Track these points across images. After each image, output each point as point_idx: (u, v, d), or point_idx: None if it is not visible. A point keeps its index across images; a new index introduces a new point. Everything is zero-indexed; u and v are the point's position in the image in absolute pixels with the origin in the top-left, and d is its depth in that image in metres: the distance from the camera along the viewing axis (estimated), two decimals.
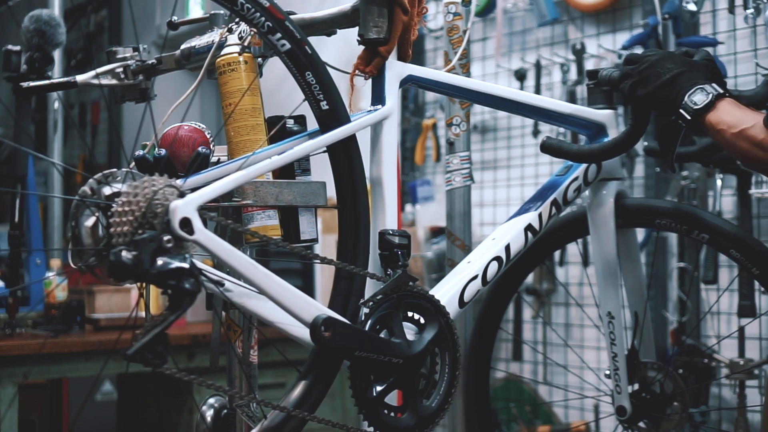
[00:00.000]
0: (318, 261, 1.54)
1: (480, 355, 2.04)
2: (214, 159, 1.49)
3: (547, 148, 1.65)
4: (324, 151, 1.44)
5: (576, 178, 1.75)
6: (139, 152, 1.42)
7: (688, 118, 1.43)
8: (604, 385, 1.91)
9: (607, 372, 1.87)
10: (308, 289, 2.94)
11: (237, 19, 1.53)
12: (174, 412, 2.89)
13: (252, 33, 1.49)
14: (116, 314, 2.72)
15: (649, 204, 1.84)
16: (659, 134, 1.58)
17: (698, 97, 1.42)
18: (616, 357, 1.80)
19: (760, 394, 2.31)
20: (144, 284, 1.26)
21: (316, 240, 1.49)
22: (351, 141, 1.44)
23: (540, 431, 2.85)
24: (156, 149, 1.42)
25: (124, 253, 1.14)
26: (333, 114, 1.42)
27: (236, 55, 1.48)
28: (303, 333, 1.37)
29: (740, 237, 1.73)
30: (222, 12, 1.63)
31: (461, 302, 1.57)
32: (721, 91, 1.42)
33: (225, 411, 1.53)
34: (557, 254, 2.93)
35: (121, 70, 1.72)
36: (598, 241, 1.79)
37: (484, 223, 3.16)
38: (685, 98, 1.42)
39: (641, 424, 1.84)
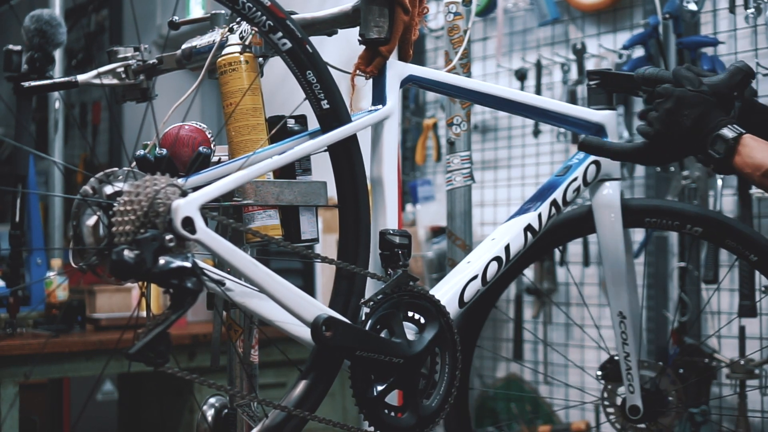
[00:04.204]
0: (319, 260, 1.54)
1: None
2: (214, 158, 1.49)
3: (587, 145, 1.63)
4: (325, 151, 1.44)
5: (575, 179, 1.75)
6: (140, 152, 1.42)
7: (717, 168, 1.44)
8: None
9: (599, 372, 1.87)
10: (309, 288, 2.95)
11: (238, 19, 1.53)
12: (175, 412, 2.89)
13: (253, 32, 1.50)
14: (117, 314, 2.73)
15: (639, 204, 1.84)
16: None
17: (719, 147, 1.42)
18: (628, 357, 1.79)
19: (761, 393, 2.31)
20: (146, 283, 1.27)
21: (316, 240, 1.49)
22: (352, 141, 1.44)
23: (541, 431, 2.85)
24: (157, 149, 1.42)
25: (126, 252, 1.14)
26: (334, 113, 1.42)
27: (237, 54, 1.48)
28: (304, 332, 1.37)
29: (734, 225, 1.75)
30: (223, 12, 1.63)
31: (461, 302, 1.57)
32: (737, 133, 1.41)
33: (226, 410, 1.53)
34: (557, 256, 2.94)
35: (122, 69, 1.72)
36: (606, 241, 1.78)
37: (484, 223, 3.16)
38: (709, 152, 1.43)
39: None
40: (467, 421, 1.95)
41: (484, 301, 1.85)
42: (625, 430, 1.84)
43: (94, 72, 1.73)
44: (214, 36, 1.60)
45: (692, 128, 1.44)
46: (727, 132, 1.42)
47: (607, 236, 1.78)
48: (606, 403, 1.87)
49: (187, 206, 1.20)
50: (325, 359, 1.41)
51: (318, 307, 1.36)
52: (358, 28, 1.51)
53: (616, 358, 1.85)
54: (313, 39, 1.43)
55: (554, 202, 1.72)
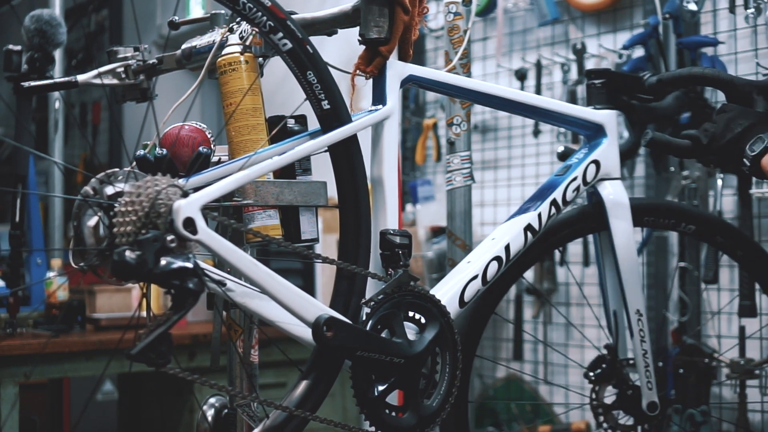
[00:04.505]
0: (319, 261, 1.55)
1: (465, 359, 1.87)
2: (215, 159, 1.49)
3: (657, 142, 1.74)
4: (325, 151, 1.44)
5: (575, 178, 1.75)
6: (141, 152, 1.42)
7: (748, 164, 1.59)
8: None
9: (591, 373, 1.87)
10: (309, 289, 2.95)
11: (238, 19, 1.53)
12: (175, 412, 2.89)
13: (253, 32, 1.50)
14: (117, 314, 2.72)
15: (638, 203, 1.85)
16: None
17: (756, 146, 1.59)
18: (646, 354, 1.80)
19: (761, 393, 2.31)
20: (146, 284, 1.27)
21: (316, 240, 1.49)
22: (352, 141, 1.44)
23: (541, 431, 2.85)
24: (157, 149, 1.42)
25: (127, 253, 1.14)
26: (334, 113, 1.42)
27: (237, 54, 1.48)
28: (304, 333, 1.38)
29: (723, 223, 1.93)
30: (223, 12, 1.63)
31: (461, 302, 1.58)
32: None
33: (226, 410, 1.53)
34: (557, 256, 2.94)
35: (122, 69, 1.71)
36: (620, 240, 1.79)
37: (484, 223, 3.16)
38: (746, 148, 1.60)
39: (623, 421, 1.86)
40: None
41: (484, 306, 1.83)
42: (615, 429, 1.85)
43: (94, 72, 1.73)
44: (214, 36, 1.60)
45: (741, 133, 1.63)
46: (766, 137, 1.59)
47: (620, 235, 1.79)
48: (594, 402, 1.87)
49: (188, 207, 1.20)
50: (326, 359, 1.41)
51: (319, 307, 1.36)
52: (358, 28, 1.51)
53: (608, 356, 1.86)
54: (313, 39, 1.43)
55: (554, 202, 1.72)
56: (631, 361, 1.87)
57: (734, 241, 1.88)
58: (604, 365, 1.87)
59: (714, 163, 1.74)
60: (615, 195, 1.78)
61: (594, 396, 1.87)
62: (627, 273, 1.79)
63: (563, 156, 2.03)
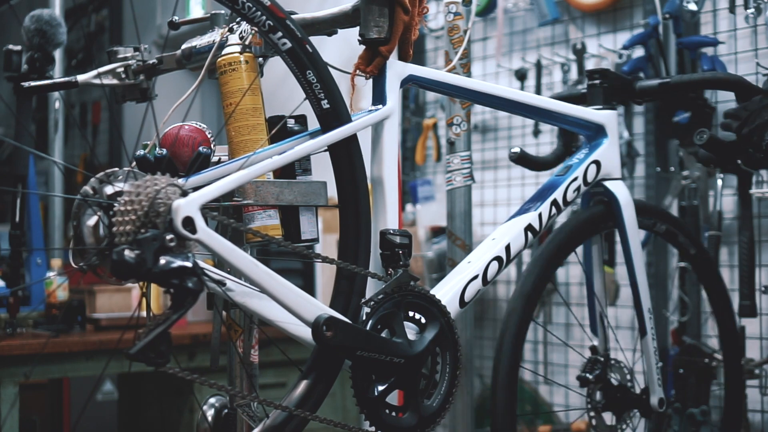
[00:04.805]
0: (319, 260, 1.55)
1: (517, 353, 1.80)
2: (215, 159, 1.49)
3: (714, 141, 1.82)
4: (325, 151, 1.44)
5: (576, 178, 1.75)
6: (140, 152, 1.42)
7: (763, 148, 1.73)
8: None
9: (590, 376, 1.87)
10: (309, 288, 2.95)
11: (238, 19, 1.53)
12: (175, 412, 2.89)
13: (253, 32, 1.50)
14: (117, 314, 2.72)
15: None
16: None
17: None
18: (656, 352, 1.83)
19: (761, 393, 2.31)
20: (146, 283, 1.27)
21: (316, 240, 1.49)
22: (352, 140, 1.44)
23: (540, 431, 2.85)
24: (157, 149, 1.42)
25: (126, 252, 1.14)
26: (334, 113, 1.42)
27: (237, 54, 1.48)
28: (304, 332, 1.37)
29: (684, 225, 2.08)
30: (223, 12, 1.63)
31: (462, 302, 1.58)
32: None
33: (226, 410, 1.53)
34: None
35: (122, 69, 1.72)
36: (632, 239, 1.80)
37: (484, 223, 3.16)
38: (765, 135, 1.74)
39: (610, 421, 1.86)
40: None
41: (526, 314, 1.76)
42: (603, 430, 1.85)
43: (94, 72, 1.73)
44: (214, 36, 1.60)
45: (765, 122, 1.75)
46: None
47: (631, 234, 1.80)
48: (589, 406, 1.86)
49: (187, 206, 1.20)
50: (325, 359, 1.41)
51: (319, 306, 1.36)
52: (358, 28, 1.51)
53: (601, 358, 1.86)
54: (313, 39, 1.43)
55: (554, 202, 1.72)
56: (613, 361, 1.87)
57: (690, 240, 1.99)
58: (597, 366, 1.87)
59: (728, 157, 1.84)
60: (625, 195, 1.80)
61: (588, 399, 1.86)
62: (639, 271, 1.81)
63: (519, 159, 2.06)
